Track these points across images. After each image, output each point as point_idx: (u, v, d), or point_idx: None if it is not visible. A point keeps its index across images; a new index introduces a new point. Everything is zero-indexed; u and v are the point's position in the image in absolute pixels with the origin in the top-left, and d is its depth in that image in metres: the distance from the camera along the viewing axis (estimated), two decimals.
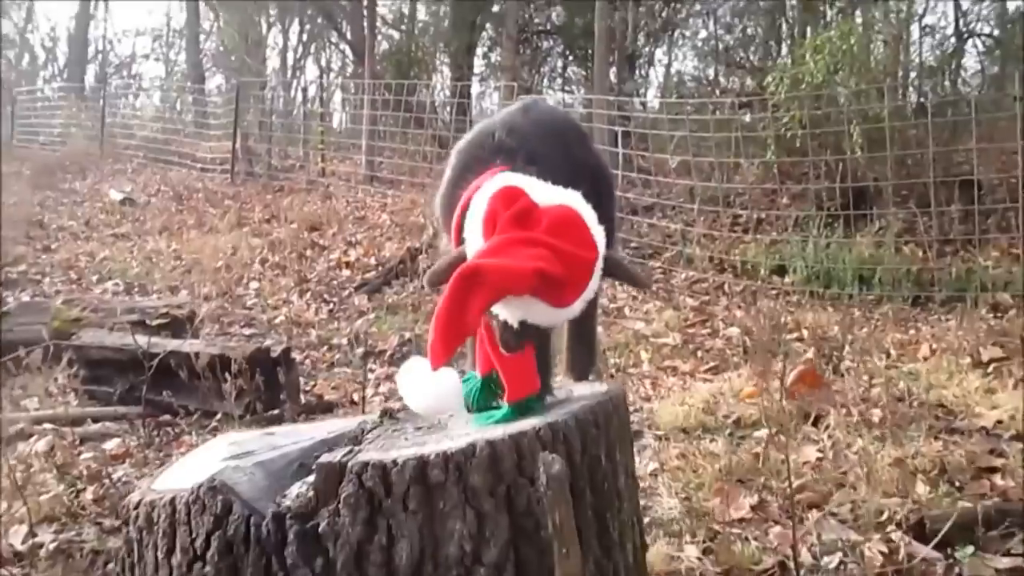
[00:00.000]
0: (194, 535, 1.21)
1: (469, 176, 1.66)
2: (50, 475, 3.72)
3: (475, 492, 1.18)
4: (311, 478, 1.20)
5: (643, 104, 14.16)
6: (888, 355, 4.75)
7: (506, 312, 1.42)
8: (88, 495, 3.59)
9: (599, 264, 1.47)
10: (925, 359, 4.54)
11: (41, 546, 3.13)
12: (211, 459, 1.34)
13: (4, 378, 4.91)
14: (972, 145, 6.95)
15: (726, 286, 7.17)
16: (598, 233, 1.49)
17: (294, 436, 1.43)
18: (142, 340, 4.93)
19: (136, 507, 1.33)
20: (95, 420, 4.67)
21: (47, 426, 4.28)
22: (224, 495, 1.19)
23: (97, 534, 3.24)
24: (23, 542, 3.18)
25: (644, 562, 1.44)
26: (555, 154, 1.71)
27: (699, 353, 5.48)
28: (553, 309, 1.42)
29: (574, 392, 1.44)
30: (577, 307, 1.45)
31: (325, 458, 1.19)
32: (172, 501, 1.24)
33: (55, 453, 3.97)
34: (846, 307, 6.17)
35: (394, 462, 1.17)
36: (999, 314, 5.69)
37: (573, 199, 1.52)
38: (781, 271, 7.18)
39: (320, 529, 1.17)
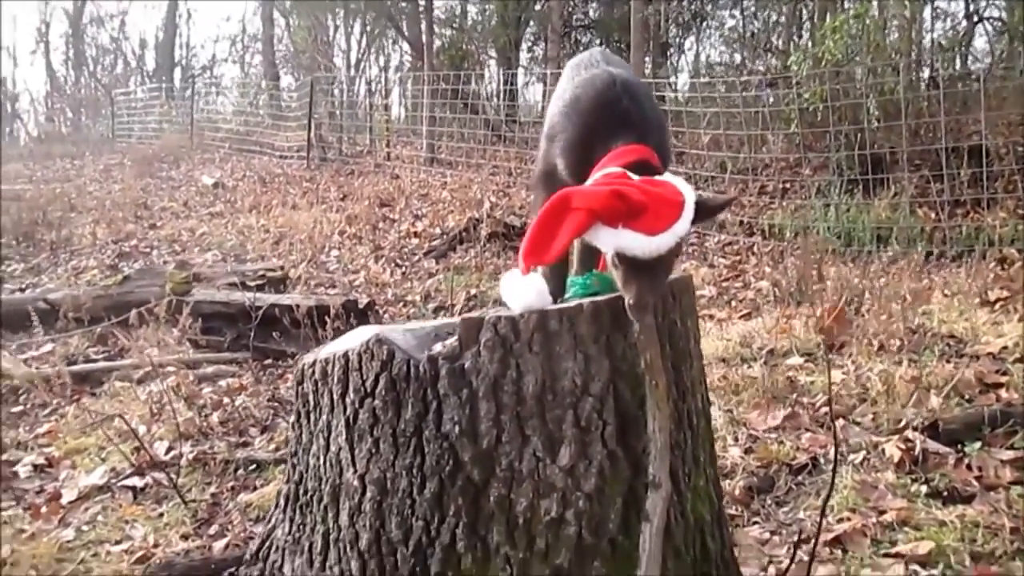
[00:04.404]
0: (365, 378, 1.41)
1: (596, 140, 1.66)
2: (180, 405, 4.00)
3: (583, 339, 1.37)
4: (453, 337, 1.40)
5: (673, 88, 14.11)
6: (904, 300, 4.81)
7: (600, 241, 1.46)
8: (215, 418, 3.87)
9: (689, 207, 1.48)
10: (937, 302, 4.61)
11: (181, 456, 3.41)
12: (363, 334, 1.53)
13: (130, 330, 5.21)
14: (980, 115, 6.94)
15: (755, 247, 7.25)
16: (688, 194, 1.51)
17: (421, 325, 1.62)
18: (248, 295, 5.22)
19: (311, 366, 1.54)
20: (210, 364, 4.95)
21: (170, 369, 4.54)
22: (388, 346, 1.40)
23: (227, 446, 3.52)
24: (166, 453, 3.47)
25: (709, 412, 1.61)
26: (655, 116, 1.76)
27: (733, 303, 5.60)
28: (644, 238, 1.42)
29: None
30: (669, 239, 1.44)
31: (466, 316, 1.39)
32: (345, 354, 1.45)
33: (181, 388, 4.25)
34: (865, 263, 6.23)
35: (521, 315, 1.37)
36: (1005, 266, 5.72)
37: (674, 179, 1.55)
38: (806, 233, 7.25)
39: (465, 367, 1.37)
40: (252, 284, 6.00)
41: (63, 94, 25.22)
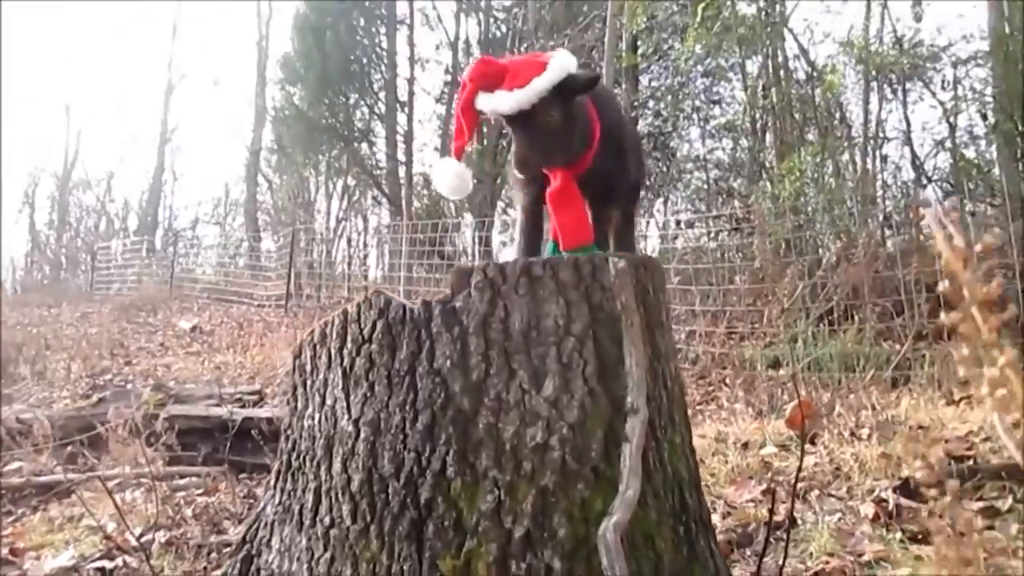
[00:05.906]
0: (363, 327, 1.50)
1: None
2: (153, 504, 3.95)
3: (564, 285, 1.47)
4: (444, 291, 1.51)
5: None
6: (873, 408, 4.94)
7: (483, 105, 1.73)
8: (188, 512, 3.81)
9: (552, 68, 1.71)
10: (905, 405, 4.74)
11: (153, 541, 3.35)
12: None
13: (102, 449, 5.16)
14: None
15: (727, 380, 7.39)
16: (557, 60, 1.75)
17: None
18: (226, 408, 5.23)
19: (310, 333, 1.63)
20: (182, 477, 4.88)
21: (141, 480, 4.49)
22: (385, 296, 1.50)
23: (201, 532, 3.45)
24: (138, 538, 3.40)
25: (683, 382, 1.70)
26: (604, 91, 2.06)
27: (707, 422, 5.68)
28: (506, 93, 1.69)
29: None
30: (528, 93, 1.69)
31: (457, 266, 1.51)
32: (344, 311, 1.54)
33: (154, 491, 4.19)
34: (835, 389, 6.37)
35: (508, 263, 1.49)
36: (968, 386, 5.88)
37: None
38: (776, 365, 7.43)
39: (457, 306, 1.46)
40: (229, 405, 6.00)
41: (43, 252, 25.60)
